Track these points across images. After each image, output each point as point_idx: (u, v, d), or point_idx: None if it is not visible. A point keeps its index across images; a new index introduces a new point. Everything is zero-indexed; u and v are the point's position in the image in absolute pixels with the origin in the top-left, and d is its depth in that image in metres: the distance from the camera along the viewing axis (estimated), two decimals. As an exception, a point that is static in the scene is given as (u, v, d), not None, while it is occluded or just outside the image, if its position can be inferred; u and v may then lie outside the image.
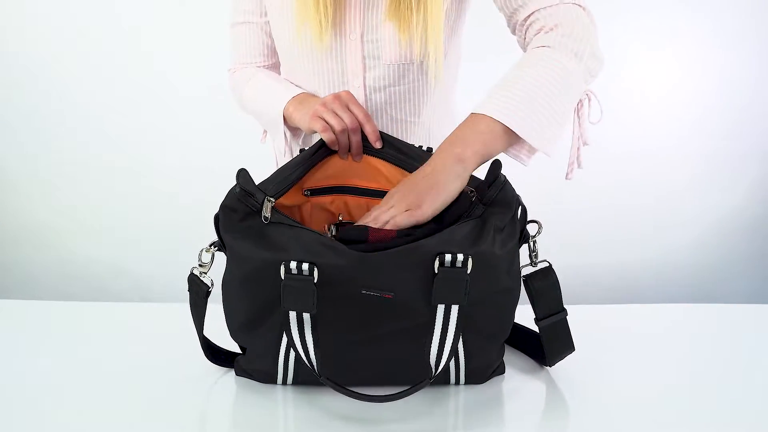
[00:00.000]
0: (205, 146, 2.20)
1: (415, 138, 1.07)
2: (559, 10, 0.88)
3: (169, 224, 2.26)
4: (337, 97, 0.91)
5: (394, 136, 1.01)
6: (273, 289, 0.72)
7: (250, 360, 0.83)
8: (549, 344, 0.84)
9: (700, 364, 0.90)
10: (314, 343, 0.73)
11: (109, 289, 2.32)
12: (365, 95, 1.02)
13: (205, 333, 0.85)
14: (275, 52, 1.11)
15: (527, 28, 0.92)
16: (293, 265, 0.70)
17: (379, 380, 0.80)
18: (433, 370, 0.75)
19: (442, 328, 0.73)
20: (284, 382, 0.82)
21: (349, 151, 0.90)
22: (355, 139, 0.88)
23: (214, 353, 0.87)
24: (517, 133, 0.78)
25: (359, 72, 1.00)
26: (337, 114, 0.89)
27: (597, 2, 2.24)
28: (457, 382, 0.82)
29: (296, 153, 1.12)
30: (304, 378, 0.81)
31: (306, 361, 0.74)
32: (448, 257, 0.70)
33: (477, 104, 0.80)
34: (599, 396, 0.81)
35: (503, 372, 0.86)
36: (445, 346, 0.74)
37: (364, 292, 0.71)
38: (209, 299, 0.82)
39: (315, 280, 0.70)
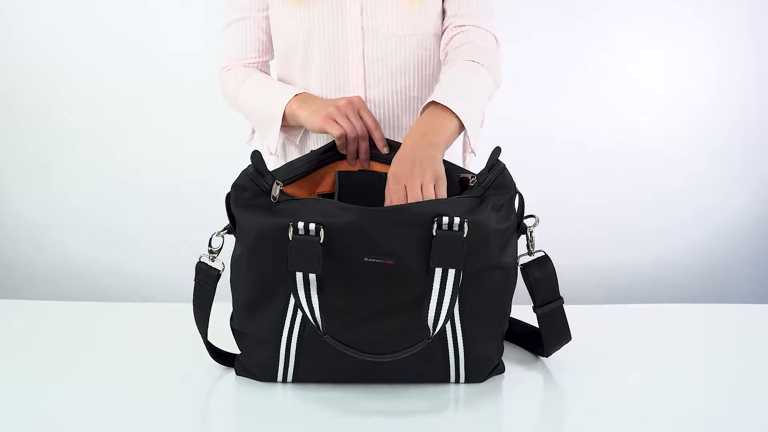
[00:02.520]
0: (205, 147, 2.19)
1: (415, 113, 1.09)
2: (486, 34, 1.05)
3: (170, 224, 2.26)
4: (350, 102, 0.95)
5: (396, 108, 1.06)
6: (279, 257, 0.75)
7: (251, 352, 0.83)
8: (547, 332, 0.86)
9: (700, 363, 0.90)
10: (319, 304, 0.76)
11: (109, 289, 2.31)
12: (364, 66, 1.05)
13: (208, 335, 0.85)
14: (269, 49, 1.13)
15: (457, 34, 1.05)
16: (300, 225, 0.74)
17: (380, 348, 0.79)
18: (431, 332, 0.76)
19: (440, 289, 0.75)
20: (284, 377, 0.82)
21: (357, 157, 0.94)
22: (364, 145, 0.93)
23: (216, 351, 0.87)
24: (470, 139, 0.94)
25: (358, 43, 1.03)
26: (350, 119, 0.92)
27: (602, 5, 2.24)
28: (457, 381, 0.82)
29: (288, 154, 1.14)
30: (305, 371, 0.81)
31: (311, 320, 0.77)
32: (445, 219, 0.74)
33: (443, 98, 0.90)
34: (600, 396, 0.81)
35: (503, 371, 0.86)
36: (442, 309, 0.76)
37: (366, 259, 0.74)
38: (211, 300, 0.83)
39: (321, 240, 0.73)
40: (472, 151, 0.98)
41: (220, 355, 0.87)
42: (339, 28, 1.03)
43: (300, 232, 0.74)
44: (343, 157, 0.94)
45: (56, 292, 2.28)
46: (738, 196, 2.32)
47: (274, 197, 0.78)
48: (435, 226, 0.74)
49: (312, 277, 0.75)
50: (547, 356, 0.89)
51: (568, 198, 2.24)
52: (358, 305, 0.77)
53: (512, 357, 0.91)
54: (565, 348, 0.88)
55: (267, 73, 1.15)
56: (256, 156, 0.81)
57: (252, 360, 0.83)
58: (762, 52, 2.20)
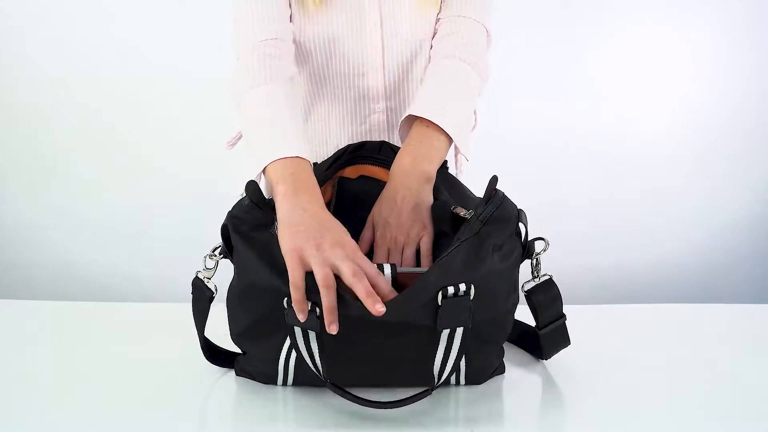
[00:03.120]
0: (206, 147, 2.18)
1: None
2: (475, 25, 1.01)
3: (170, 224, 2.26)
4: (340, 246, 0.72)
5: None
6: (277, 306, 0.72)
7: (251, 361, 0.83)
8: (547, 343, 0.86)
9: (700, 363, 0.90)
10: (319, 349, 0.73)
11: (109, 289, 2.31)
12: (384, 72, 1.04)
13: (207, 334, 0.85)
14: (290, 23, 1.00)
15: (446, 23, 1.02)
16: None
17: (381, 380, 0.80)
18: (435, 381, 0.75)
19: (446, 347, 0.74)
20: (284, 383, 0.82)
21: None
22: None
23: (214, 354, 0.87)
24: (462, 152, 0.93)
25: (378, 49, 1.02)
26: (326, 263, 0.70)
27: (602, 5, 2.24)
28: (458, 383, 0.82)
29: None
30: (304, 379, 0.81)
31: (312, 368, 0.74)
32: (450, 290, 0.69)
33: (428, 111, 0.89)
34: (600, 396, 0.81)
35: (503, 372, 0.86)
36: (448, 362, 0.74)
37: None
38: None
39: (318, 314, 0.69)
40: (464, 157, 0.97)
41: (218, 357, 0.87)
42: (358, 35, 1.01)
43: None
44: (347, 166, 0.92)
45: (56, 293, 2.27)
46: (738, 195, 2.32)
47: (272, 233, 0.74)
48: (440, 296, 0.69)
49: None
50: (546, 359, 0.89)
51: (568, 198, 2.24)
52: (360, 355, 0.75)
53: (512, 358, 0.90)
54: (565, 348, 0.88)
55: (291, 63, 0.97)
56: (252, 187, 0.77)
57: (252, 367, 0.83)
58: (762, 52, 2.20)
